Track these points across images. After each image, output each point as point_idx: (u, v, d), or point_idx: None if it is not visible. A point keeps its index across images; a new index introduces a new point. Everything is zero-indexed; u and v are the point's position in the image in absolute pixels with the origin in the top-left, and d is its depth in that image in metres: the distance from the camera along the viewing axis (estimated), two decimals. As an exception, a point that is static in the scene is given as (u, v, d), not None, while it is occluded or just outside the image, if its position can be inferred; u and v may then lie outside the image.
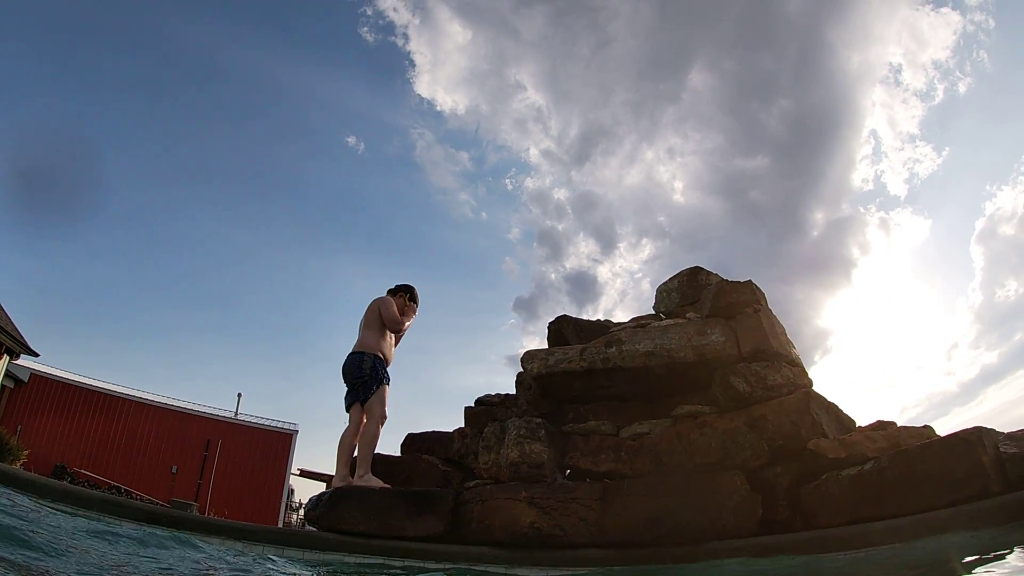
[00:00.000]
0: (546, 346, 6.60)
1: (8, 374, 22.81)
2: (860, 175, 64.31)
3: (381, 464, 6.27)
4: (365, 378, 6.38)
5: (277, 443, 34.16)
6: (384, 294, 6.88)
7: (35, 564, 2.74)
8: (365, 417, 6.33)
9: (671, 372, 5.47)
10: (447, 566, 4.97)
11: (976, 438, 3.80)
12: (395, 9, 70.91)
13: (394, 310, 6.63)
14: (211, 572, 3.77)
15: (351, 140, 70.57)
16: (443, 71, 71.83)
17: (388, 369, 6.53)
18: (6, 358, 20.74)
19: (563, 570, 4.83)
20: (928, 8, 58.48)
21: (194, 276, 64.25)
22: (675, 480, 4.88)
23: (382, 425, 6.33)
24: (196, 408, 33.19)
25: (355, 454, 6.23)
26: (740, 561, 4.19)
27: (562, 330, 6.65)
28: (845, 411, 5.24)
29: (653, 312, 6.47)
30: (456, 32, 69.14)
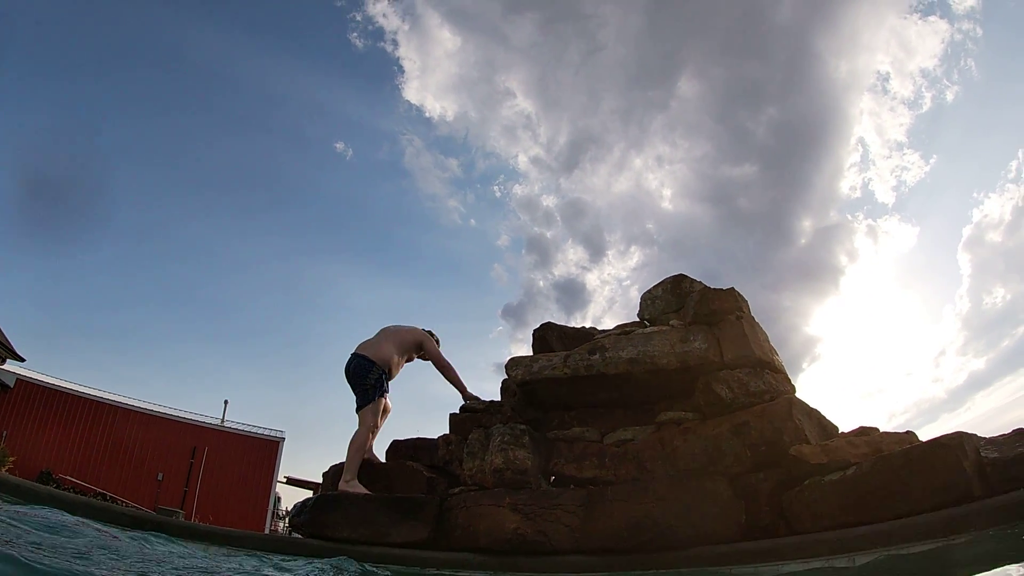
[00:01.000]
0: (532, 353, 6.62)
1: (-7, 379, 22.69)
2: (848, 183, 64.79)
3: (366, 470, 6.27)
4: (367, 387, 6.50)
5: (263, 451, 34.11)
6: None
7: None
8: (358, 423, 6.42)
9: (654, 379, 5.50)
10: (431, 572, 4.98)
11: (957, 443, 3.84)
12: (384, 15, 71.09)
13: (438, 350, 7.02)
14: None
15: (339, 146, 70.61)
16: (432, 77, 72.04)
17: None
18: (-8, 364, 20.64)
19: (547, 576, 4.85)
20: (916, 17, 59.03)
21: (181, 282, 64.08)
22: (658, 486, 4.89)
23: (373, 436, 6.46)
24: (182, 415, 33.08)
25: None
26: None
27: (547, 337, 6.66)
28: (828, 417, 5.28)
29: (638, 319, 6.50)
30: (446, 38, 69.38)
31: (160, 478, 30.53)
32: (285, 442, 34.82)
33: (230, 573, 4.18)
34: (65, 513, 5.04)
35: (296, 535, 6.13)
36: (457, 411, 6.77)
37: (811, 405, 5.15)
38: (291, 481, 34.65)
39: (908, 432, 4.77)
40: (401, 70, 76.40)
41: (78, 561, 3.40)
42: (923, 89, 60.03)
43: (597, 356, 5.60)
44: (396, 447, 6.76)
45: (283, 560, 4.98)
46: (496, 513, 5.20)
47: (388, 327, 7.04)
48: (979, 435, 4.11)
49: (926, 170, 63.18)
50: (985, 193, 62.77)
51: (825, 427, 5.15)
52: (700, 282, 6.16)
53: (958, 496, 3.70)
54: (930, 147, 63.97)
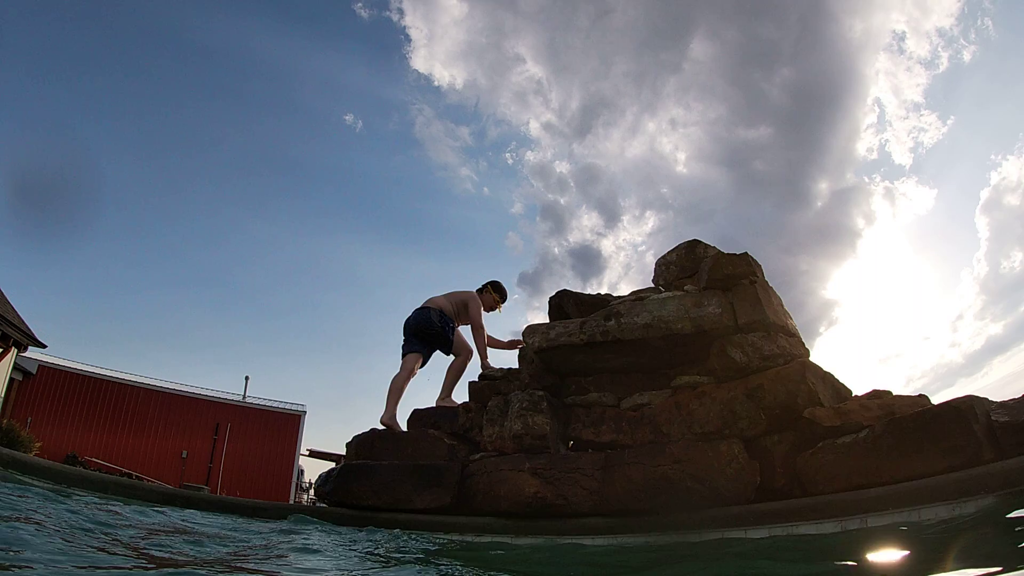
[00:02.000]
0: (548, 320, 6.69)
1: (17, 367, 22.98)
2: (864, 144, 63.90)
3: (389, 439, 6.40)
4: (435, 330, 7.40)
5: (285, 424, 34.48)
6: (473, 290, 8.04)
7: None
8: (453, 356, 7.50)
9: (669, 343, 5.56)
10: (455, 537, 5.10)
11: (968, 406, 3.90)
12: (389, -17, 70.15)
13: (480, 312, 7.70)
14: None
15: (349, 118, 70.28)
16: (440, 45, 71.41)
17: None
18: (14, 351, 20.89)
19: (567, 538, 4.96)
20: (932, -26, 57.83)
21: (197, 260, 64.43)
22: (674, 449, 4.97)
23: (468, 360, 7.45)
24: (204, 392, 33.44)
25: (402, 395, 7.19)
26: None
27: (563, 304, 6.73)
28: (842, 381, 5.32)
29: (653, 285, 6.56)
30: (452, 5, 68.73)
31: (184, 455, 30.97)
32: (306, 415, 35.18)
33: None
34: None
35: (321, 504, 6.28)
36: (476, 379, 6.89)
37: (825, 369, 5.22)
38: (313, 453, 34.99)
39: (921, 395, 4.80)
40: (408, 39, 75.73)
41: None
42: (939, 49, 59.07)
43: (613, 322, 5.67)
44: (417, 415, 6.88)
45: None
46: (516, 478, 5.31)
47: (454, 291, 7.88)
48: (991, 399, 4.16)
49: (943, 131, 62.27)
50: (1003, 155, 61.91)
51: (839, 390, 5.20)
52: (714, 247, 6.21)
53: (968, 459, 3.76)
54: (947, 108, 63.00)
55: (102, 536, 3.18)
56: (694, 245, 6.31)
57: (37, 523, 2.97)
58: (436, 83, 72.50)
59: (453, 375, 7.41)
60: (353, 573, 3.24)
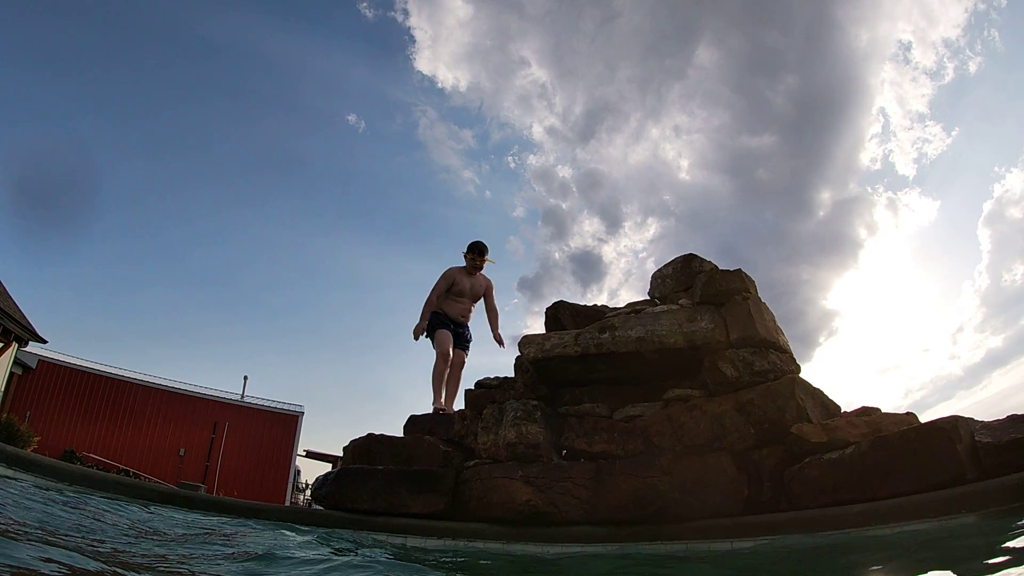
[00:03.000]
0: (544, 331, 6.78)
1: (17, 361, 23.01)
2: (868, 154, 63.77)
3: (385, 445, 6.50)
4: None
5: (283, 425, 34.49)
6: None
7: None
8: None
9: (662, 357, 5.66)
10: (447, 542, 5.20)
11: (952, 427, 4.00)
12: (394, -17, 70.25)
13: (434, 288, 7.94)
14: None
15: (351, 118, 70.15)
16: (445, 47, 71.30)
17: (457, 321, 8.07)
18: (15, 345, 20.96)
19: (558, 546, 5.05)
20: (938, -16, 57.76)
21: (198, 258, 64.46)
22: (665, 460, 5.07)
23: (441, 361, 7.63)
24: (203, 391, 33.48)
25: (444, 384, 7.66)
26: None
27: (559, 315, 6.82)
28: (831, 397, 5.42)
29: (649, 297, 6.65)
30: (458, 7, 68.62)
31: (182, 453, 31.02)
32: (304, 416, 35.20)
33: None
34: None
35: (318, 507, 6.37)
36: (472, 387, 6.99)
37: (814, 385, 5.31)
38: (311, 454, 35.13)
39: (908, 413, 4.89)
40: (412, 40, 75.56)
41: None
42: (945, 59, 58.97)
43: (607, 335, 5.77)
44: (414, 421, 6.98)
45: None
46: (509, 485, 5.41)
47: None
48: (976, 419, 4.25)
49: (948, 143, 62.15)
50: (1007, 168, 61.80)
51: (827, 406, 5.30)
52: (710, 262, 6.30)
53: (951, 478, 3.86)
54: (952, 119, 62.92)
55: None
56: (690, 259, 6.40)
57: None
58: (440, 85, 72.48)
59: (433, 377, 7.70)
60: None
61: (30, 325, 20.96)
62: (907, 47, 60.03)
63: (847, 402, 5.44)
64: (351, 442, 6.70)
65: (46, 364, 28.36)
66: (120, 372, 31.44)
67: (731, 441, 5.11)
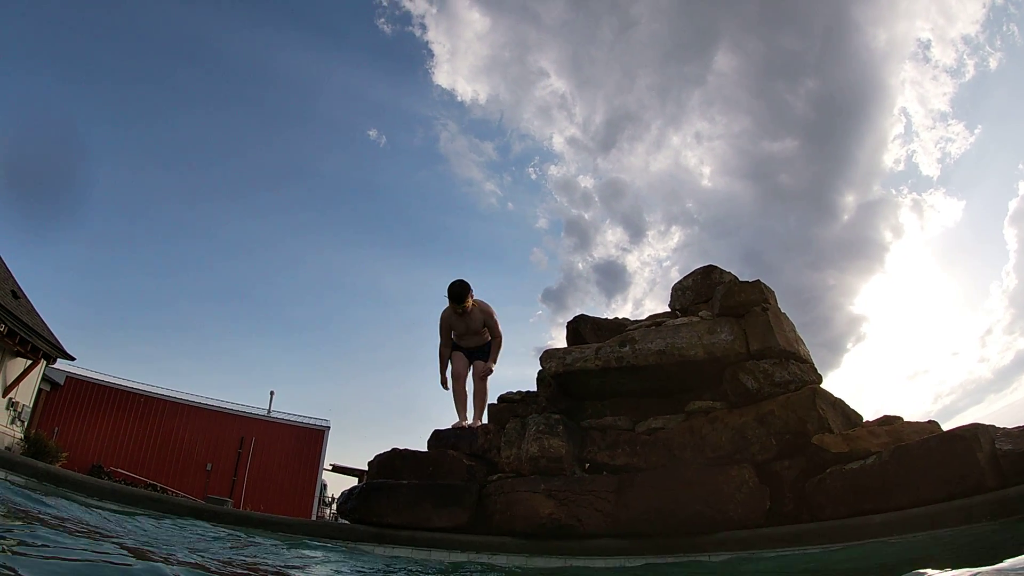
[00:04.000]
0: (566, 344, 6.83)
1: (45, 378, 23.36)
2: (891, 156, 63.12)
3: (409, 459, 6.56)
4: None
5: (309, 439, 34.64)
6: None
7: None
8: None
9: (683, 369, 5.69)
10: (471, 555, 5.25)
11: (972, 435, 4.01)
12: (412, -1, 70.55)
13: (440, 340, 7.78)
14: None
15: (372, 133, 70.54)
16: (463, 60, 71.70)
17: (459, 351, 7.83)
18: (43, 363, 21.28)
19: (581, 559, 5.09)
20: (956, -19, 57.13)
21: (221, 272, 65.01)
22: (687, 473, 5.10)
23: (454, 383, 7.66)
24: (230, 406, 33.75)
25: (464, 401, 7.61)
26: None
27: (580, 329, 6.88)
28: (853, 406, 5.41)
29: (670, 310, 6.69)
30: (475, 20, 68.94)
31: (209, 468, 31.26)
32: (330, 431, 35.36)
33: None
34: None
35: (344, 521, 6.44)
36: (496, 402, 7.05)
37: (836, 395, 5.32)
38: (336, 468, 35.20)
39: (931, 422, 4.90)
40: (431, 54, 76.23)
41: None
42: (965, 56, 58.42)
43: (627, 348, 5.81)
44: (438, 436, 7.03)
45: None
46: (532, 499, 5.45)
47: None
48: (996, 426, 4.24)
49: (971, 141, 61.42)
50: (1031, 165, 60.78)
51: (849, 416, 5.30)
52: (730, 273, 6.34)
53: (971, 487, 3.86)
54: (974, 117, 62.26)
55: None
56: (710, 271, 6.44)
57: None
58: (459, 98, 72.86)
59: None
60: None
61: (58, 342, 21.29)
62: (926, 45, 59.59)
63: (876, 409, 5.43)
64: (376, 457, 6.77)
65: (73, 380, 28.74)
66: (147, 388, 31.82)
67: (753, 452, 5.12)
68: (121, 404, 30.37)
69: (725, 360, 5.55)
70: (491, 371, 7.52)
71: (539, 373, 6.77)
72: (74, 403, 28.73)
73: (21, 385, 20.15)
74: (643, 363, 5.72)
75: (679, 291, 6.66)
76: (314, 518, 29.58)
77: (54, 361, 22.27)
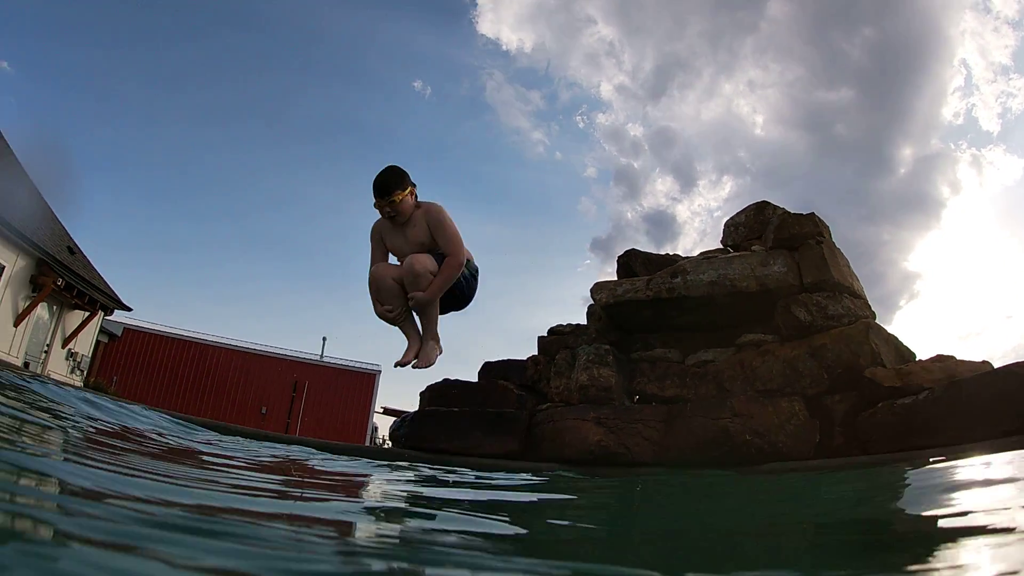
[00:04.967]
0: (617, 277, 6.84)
1: (103, 329, 24.03)
2: (950, 109, 60.57)
3: (461, 389, 6.68)
4: None
5: (361, 383, 35.11)
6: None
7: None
8: None
9: (734, 301, 5.67)
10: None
11: (1027, 370, 3.94)
12: (454, -54, 69.53)
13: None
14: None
15: (417, 84, 70.13)
16: (507, 9, 70.15)
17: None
18: (101, 314, 21.86)
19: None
20: (1020, -76, 54.41)
21: (275, 229, 65.72)
22: (736, 403, 5.11)
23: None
24: (283, 352, 34.39)
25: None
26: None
27: (631, 263, 6.86)
28: (906, 344, 5.37)
29: (722, 246, 6.64)
30: (518, -34, 67.56)
31: (264, 412, 31.99)
32: (381, 375, 35.82)
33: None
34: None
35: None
36: (545, 334, 7.11)
37: (889, 331, 5.27)
38: (387, 411, 35.37)
39: (984, 361, 4.81)
40: (474, 3, 75.02)
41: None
42: (1028, 8, 55.54)
43: (679, 279, 5.80)
44: (488, 367, 7.15)
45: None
46: (581, 427, 5.52)
47: None
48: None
49: (1033, 98, 58.66)
50: (1093, 125, 58.20)
51: (902, 353, 5.26)
52: (783, 208, 6.25)
53: (1025, 423, 3.79)
54: (1038, 72, 59.38)
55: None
56: (763, 207, 6.37)
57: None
58: (504, 47, 71.56)
59: None
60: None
61: (115, 294, 21.83)
62: (988, -6, 56.77)
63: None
64: (428, 386, 6.91)
65: (130, 331, 29.53)
66: (202, 335, 32.58)
67: (804, 386, 5.11)
68: (177, 352, 31.12)
69: (778, 293, 5.51)
70: (423, 301, 3.79)
71: (589, 307, 6.82)
72: (131, 353, 29.52)
73: (80, 336, 20.77)
74: (694, 294, 5.71)
75: (731, 227, 6.60)
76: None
77: (111, 312, 22.84)
